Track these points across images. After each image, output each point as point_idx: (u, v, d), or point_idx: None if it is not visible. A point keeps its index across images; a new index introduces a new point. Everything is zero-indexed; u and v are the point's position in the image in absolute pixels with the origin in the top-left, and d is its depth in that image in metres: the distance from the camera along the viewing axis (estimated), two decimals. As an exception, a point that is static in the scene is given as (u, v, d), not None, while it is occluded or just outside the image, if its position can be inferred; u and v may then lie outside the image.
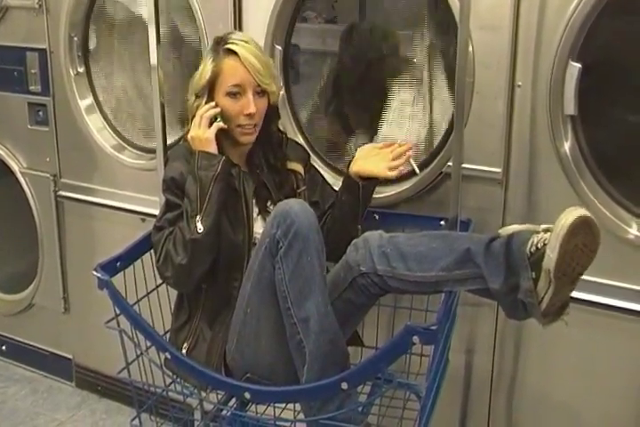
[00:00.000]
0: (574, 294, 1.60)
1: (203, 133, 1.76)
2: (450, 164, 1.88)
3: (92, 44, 2.56)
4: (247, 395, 1.55)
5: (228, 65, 1.77)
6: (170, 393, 1.74)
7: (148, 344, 1.69)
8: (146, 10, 2.02)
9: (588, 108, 1.76)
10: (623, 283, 1.79)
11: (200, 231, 1.69)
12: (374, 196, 1.93)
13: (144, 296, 1.85)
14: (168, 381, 1.75)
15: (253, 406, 1.75)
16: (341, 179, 1.95)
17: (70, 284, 2.80)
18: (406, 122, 2.07)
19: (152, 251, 1.81)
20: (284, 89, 2.13)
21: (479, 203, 1.92)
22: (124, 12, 2.47)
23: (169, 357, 1.64)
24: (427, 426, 1.62)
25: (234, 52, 1.77)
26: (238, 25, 2.15)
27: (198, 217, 1.70)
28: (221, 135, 1.79)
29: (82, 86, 2.58)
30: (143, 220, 2.48)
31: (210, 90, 1.80)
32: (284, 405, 1.76)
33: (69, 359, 2.88)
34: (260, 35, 2.06)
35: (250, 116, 1.77)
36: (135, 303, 1.77)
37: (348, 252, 1.73)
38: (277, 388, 1.62)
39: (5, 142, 2.83)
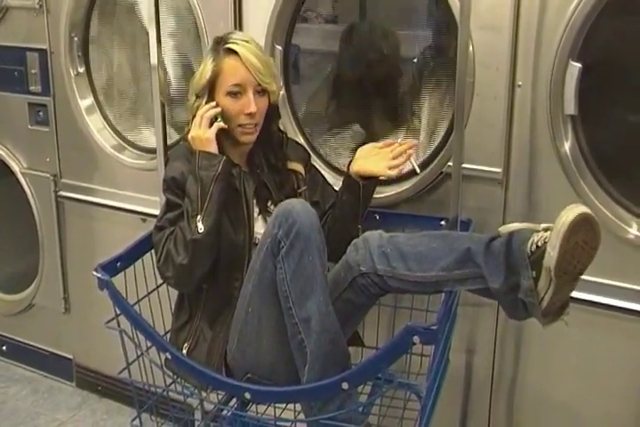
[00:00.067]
0: (574, 293, 1.60)
1: (203, 133, 1.76)
2: (450, 164, 1.88)
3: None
4: (247, 395, 1.55)
5: (229, 64, 1.77)
6: (170, 393, 1.74)
7: (149, 344, 1.69)
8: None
9: (588, 108, 1.76)
10: (623, 283, 1.79)
11: (201, 231, 1.69)
12: (374, 196, 1.93)
13: (144, 296, 1.85)
14: (168, 381, 1.75)
15: (254, 406, 1.75)
16: (342, 179, 1.95)
17: (70, 284, 2.80)
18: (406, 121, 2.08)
19: (152, 251, 1.81)
20: (284, 89, 2.13)
21: (479, 203, 1.92)
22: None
23: (169, 357, 1.64)
24: (427, 426, 1.62)
25: (234, 52, 1.77)
26: (238, 25, 2.15)
27: (199, 217, 1.70)
28: (222, 135, 1.79)
29: (82, 86, 2.58)
30: (143, 220, 2.48)
31: (210, 90, 1.80)
32: (284, 405, 1.76)
33: (70, 359, 2.88)
34: (260, 35, 2.06)
35: (250, 115, 1.78)
36: (135, 303, 1.77)
37: (348, 252, 1.73)
38: (277, 388, 1.62)
39: (6, 142, 2.83)
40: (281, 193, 1.87)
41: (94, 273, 1.70)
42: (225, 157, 1.76)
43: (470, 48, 1.81)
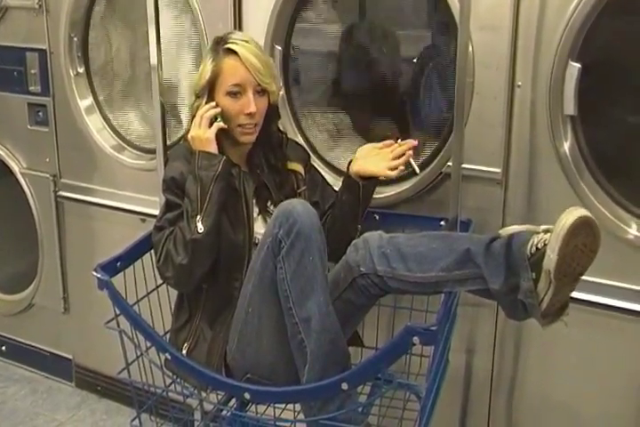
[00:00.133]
0: (574, 294, 1.60)
1: (203, 133, 1.76)
2: (450, 164, 1.88)
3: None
4: (247, 395, 1.55)
5: (229, 64, 1.77)
6: (170, 393, 1.74)
7: (148, 345, 1.69)
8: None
9: (588, 108, 1.76)
10: (623, 283, 1.79)
11: (200, 231, 1.69)
12: (374, 196, 1.93)
13: (144, 296, 1.85)
14: (168, 381, 1.75)
15: (253, 406, 1.75)
16: (341, 179, 1.95)
17: (70, 284, 2.80)
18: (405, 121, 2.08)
19: (152, 251, 1.81)
20: (283, 89, 2.13)
21: (479, 203, 1.92)
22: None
23: (169, 357, 1.64)
24: None
25: (234, 52, 1.77)
26: (238, 25, 2.15)
27: (199, 217, 1.70)
28: (222, 135, 1.79)
29: (82, 86, 2.58)
30: (143, 220, 2.48)
31: (210, 90, 1.80)
32: (284, 405, 1.76)
33: (69, 360, 2.88)
34: (259, 35, 2.06)
35: (250, 115, 1.78)
36: (135, 304, 1.77)
37: (348, 252, 1.73)
38: (277, 388, 1.62)
39: (5, 143, 2.83)
40: (281, 193, 1.87)
41: (94, 273, 1.70)
42: (225, 157, 1.76)
43: (470, 48, 1.81)
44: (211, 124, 1.77)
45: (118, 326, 1.68)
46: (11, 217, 2.95)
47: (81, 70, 2.57)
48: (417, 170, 1.90)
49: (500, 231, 1.66)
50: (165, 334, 1.89)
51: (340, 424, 1.56)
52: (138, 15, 2.38)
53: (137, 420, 1.75)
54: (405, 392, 1.79)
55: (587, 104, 1.75)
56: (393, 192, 2.03)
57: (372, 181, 1.88)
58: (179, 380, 1.76)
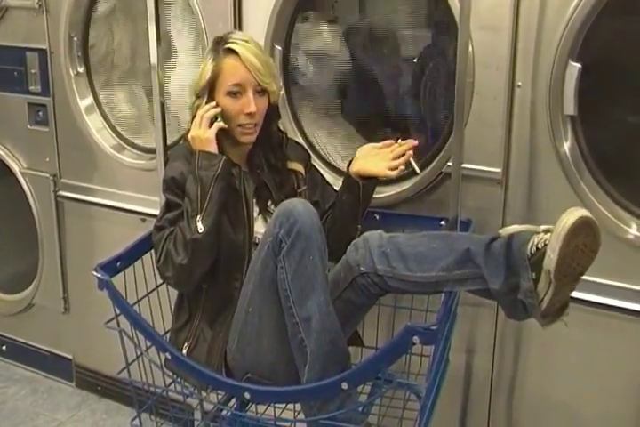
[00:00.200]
0: (574, 294, 1.60)
1: (203, 133, 1.76)
2: (450, 164, 1.88)
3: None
4: (247, 395, 1.55)
5: (229, 64, 1.77)
6: (170, 393, 1.74)
7: (148, 344, 1.69)
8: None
9: (588, 108, 1.76)
10: (623, 283, 1.79)
11: (200, 231, 1.69)
12: (374, 196, 1.93)
13: (144, 296, 1.85)
14: (168, 381, 1.75)
15: (253, 406, 1.75)
16: (341, 179, 1.95)
17: (70, 284, 2.80)
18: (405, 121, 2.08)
19: (152, 251, 1.81)
20: (283, 89, 2.13)
21: (479, 203, 1.92)
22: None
23: (169, 357, 1.64)
24: (427, 426, 1.62)
25: (234, 52, 1.77)
26: (238, 25, 2.15)
27: (199, 217, 1.70)
28: (222, 135, 1.79)
29: (82, 86, 2.58)
30: (143, 220, 2.48)
31: (210, 90, 1.80)
32: (284, 405, 1.76)
33: (69, 359, 2.88)
34: (259, 35, 2.06)
35: (250, 115, 1.78)
36: (135, 303, 1.77)
37: (348, 252, 1.73)
38: (277, 388, 1.62)
39: (5, 142, 2.83)
40: (281, 193, 1.87)
41: (94, 273, 1.70)
42: (225, 157, 1.76)
43: (470, 48, 1.81)
44: (211, 124, 1.77)
45: (118, 325, 1.68)
46: (11, 217, 2.95)
47: (81, 70, 2.57)
48: (417, 170, 1.90)
49: (500, 231, 1.66)
50: (165, 333, 1.89)
51: (340, 424, 1.56)
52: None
53: (137, 420, 1.75)
54: (405, 392, 1.79)
55: (587, 104, 1.75)
56: (393, 192, 2.03)
57: (372, 181, 1.88)
58: (179, 380, 1.76)
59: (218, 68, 1.78)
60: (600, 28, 1.70)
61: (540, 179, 1.85)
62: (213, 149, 1.76)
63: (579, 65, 1.72)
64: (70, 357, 2.87)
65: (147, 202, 2.45)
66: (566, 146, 1.79)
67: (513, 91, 1.83)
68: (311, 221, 1.60)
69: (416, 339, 1.39)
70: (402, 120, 2.10)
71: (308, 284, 1.59)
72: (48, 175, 2.72)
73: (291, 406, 1.75)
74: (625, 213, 1.79)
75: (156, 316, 1.86)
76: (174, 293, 1.86)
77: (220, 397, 1.79)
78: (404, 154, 1.84)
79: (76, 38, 2.53)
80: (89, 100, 2.59)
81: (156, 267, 1.78)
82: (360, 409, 1.73)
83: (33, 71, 2.64)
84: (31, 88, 2.67)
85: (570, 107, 1.75)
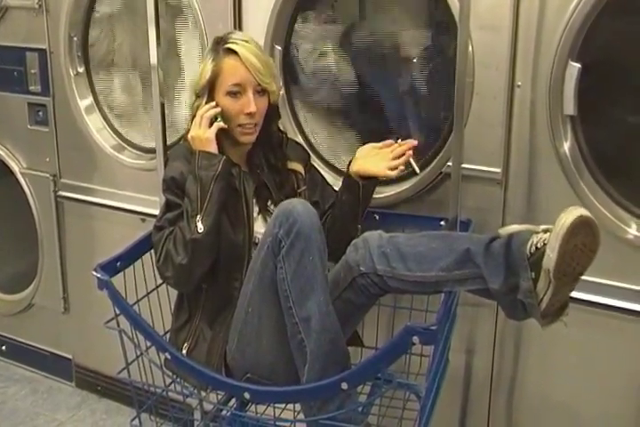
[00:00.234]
0: (574, 294, 1.60)
1: (203, 133, 1.76)
2: (449, 164, 1.88)
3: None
4: (247, 395, 1.55)
5: (229, 64, 1.77)
6: (170, 393, 1.74)
7: (148, 344, 1.69)
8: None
9: (588, 108, 1.76)
10: (623, 283, 1.79)
11: (200, 231, 1.69)
12: (374, 196, 1.93)
13: (144, 296, 1.85)
14: (168, 381, 1.75)
15: (253, 406, 1.75)
16: (341, 179, 1.95)
17: (70, 284, 2.80)
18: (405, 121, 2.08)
19: (152, 251, 1.81)
20: (283, 89, 2.13)
21: (479, 203, 1.92)
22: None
23: (169, 357, 1.64)
24: (426, 426, 1.62)
25: (234, 52, 1.77)
26: (238, 25, 2.15)
27: (199, 217, 1.70)
28: (222, 135, 1.79)
29: (82, 86, 2.58)
30: (143, 220, 2.48)
31: (210, 90, 1.80)
32: (283, 405, 1.76)
33: (69, 359, 2.88)
34: (259, 35, 2.06)
35: (250, 115, 1.78)
36: (135, 303, 1.77)
37: (348, 252, 1.73)
38: (277, 388, 1.62)
39: (5, 143, 2.83)
40: (281, 193, 1.87)
41: (94, 273, 1.70)
42: (225, 157, 1.76)
43: (470, 48, 1.81)
44: (211, 124, 1.77)
45: (118, 325, 1.68)
46: (11, 217, 2.95)
47: (81, 70, 2.57)
48: (417, 170, 1.89)
49: (500, 231, 1.66)
50: (165, 333, 1.89)
51: (339, 424, 1.56)
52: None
53: (137, 419, 1.75)
54: (405, 392, 1.79)
55: (587, 104, 1.75)
56: (393, 192, 2.03)
57: (372, 181, 1.88)
58: (178, 380, 1.76)
59: (218, 68, 1.78)
60: (600, 28, 1.70)
61: (539, 179, 1.85)
62: (213, 148, 1.76)
63: (578, 65, 1.72)
64: (70, 357, 2.87)
65: (147, 202, 2.45)
66: (566, 146, 1.79)
67: (513, 91, 1.83)
68: (311, 221, 1.60)
69: (416, 339, 1.39)
70: (401, 120, 2.10)
71: (307, 284, 1.59)
72: (48, 175, 2.72)
73: (290, 406, 1.75)
74: (625, 213, 1.79)
75: (156, 316, 1.86)
76: (174, 293, 1.86)
77: (219, 397, 1.79)
78: (403, 154, 1.84)
79: (75, 38, 2.53)
80: (89, 100, 2.59)
81: (155, 267, 1.78)
82: (360, 409, 1.73)
83: (33, 71, 2.64)
84: (31, 88, 2.67)
85: (569, 107, 1.75)
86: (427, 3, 2.01)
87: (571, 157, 1.79)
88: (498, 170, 1.88)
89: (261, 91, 1.79)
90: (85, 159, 2.63)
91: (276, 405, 1.64)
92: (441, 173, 1.95)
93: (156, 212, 1.86)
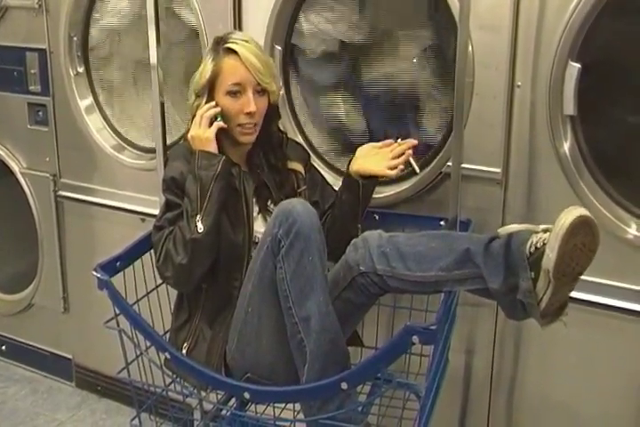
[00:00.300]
0: (574, 294, 1.60)
1: (203, 133, 1.76)
2: (449, 164, 1.88)
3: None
4: (246, 395, 1.55)
5: (228, 64, 1.77)
6: (169, 393, 1.74)
7: (148, 344, 1.69)
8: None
9: (588, 108, 1.76)
10: (622, 283, 1.79)
11: (200, 231, 1.69)
12: (374, 196, 1.93)
13: (144, 296, 1.85)
14: (168, 381, 1.76)
15: (253, 405, 1.75)
16: (341, 179, 1.95)
17: (70, 284, 2.80)
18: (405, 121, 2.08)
19: (152, 251, 1.81)
20: (283, 89, 2.13)
21: (479, 203, 1.92)
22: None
23: (169, 357, 1.64)
24: (426, 426, 1.62)
25: (234, 52, 1.77)
26: (238, 25, 2.15)
27: (198, 217, 1.70)
28: (222, 135, 1.79)
29: (82, 86, 2.58)
30: (143, 220, 2.48)
31: (210, 89, 1.80)
32: (283, 405, 1.76)
33: (69, 359, 2.88)
34: (259, 35, 2.06)
35: (250, 114, 1.78)
36: (135, 303, 1.77)
37: (348, 251, 1.73)
38: (277, 388, 1.62)
39: (5, 142, 2.83)
40: (281, 193, 1.87)
41: (94, 273, 1.70)
42: (224, 157, 1.76)
43: (470, 48, 1.81)
44: (211, 124, 1.77)
45: (118, 325, 1.68)
46: (11, 217, 2.95)
47: (81, 70, 2.57)
48: (417, 169, 1.90)
49: (499, 230, 1.65)
50: (165, 333, 1.89)
51: (339, 424, 1.56)
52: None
53: (137, 419, 1.75)
54: (405, 392, 1.79)
55: (586, 104, 1.75)
56: (393, 192, 2.03)
57: (372, 181, 1.88)
58: (178, 379, 1.76)
59: (218, 68, 1.78)
60: (600, 28, 1.71)
61: (539, 179, 1.85)
62: (213, 148, 1.76)
63: (578, 65, 1.72)
64: (70, 357, 2.88)
65: (147, 202, 2.45)
66: (566, 146, 1.79)
67: (512, 91, 1.83)
68: (310, 221, 1.60)
69: (415, 339, 1.39)
70: (401, 120, 2.10)
71: (307, 284, 1.59)
72: (48, 175, 2.72)
73: (290, 405, 1.75)
74: (624, 213, 1.79)
75: (156, 316, 1.86)
76: (174, 293, 1.86)
77: (219, 397, 1.79)
78: (403, 153, 1.85)
79: (75, 38, 2.53)
80: (89, 99, 2.59)
81: (155, 267, 1.78)
82: (360, 409, 1.73)
83: (33, 71, 2.64)
84: (31, 88, 2.67)
85: (569, 107, 1.75)
86: (427, 3, 2.01)
87: (570, 157, 1.79)
88: (498, 170, 1.88)
89: (261, 91, 1.79)
90: (85, 159, 2.63)
91: (276, 405, 1.64)
92: (441, 172, 1.95)
93: (156, 212, 1.86)
